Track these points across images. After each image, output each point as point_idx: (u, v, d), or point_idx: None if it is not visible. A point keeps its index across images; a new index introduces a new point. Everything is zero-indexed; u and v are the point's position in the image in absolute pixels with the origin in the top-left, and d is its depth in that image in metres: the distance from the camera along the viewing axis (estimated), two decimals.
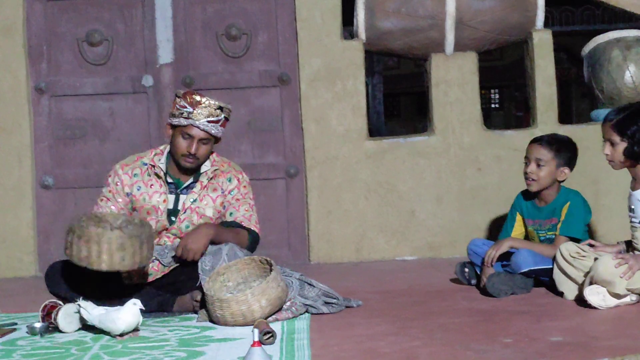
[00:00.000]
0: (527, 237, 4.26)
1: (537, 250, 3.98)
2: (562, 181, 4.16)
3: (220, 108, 3.80)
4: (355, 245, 5.44)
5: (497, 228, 4.46)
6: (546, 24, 5.54)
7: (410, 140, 5.50)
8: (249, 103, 5.54)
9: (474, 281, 4.20)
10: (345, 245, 5.44)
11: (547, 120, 5.43)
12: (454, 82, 5.48)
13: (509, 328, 3.21)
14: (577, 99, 18.46)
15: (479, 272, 4.13)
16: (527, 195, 4.28)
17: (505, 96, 22.10)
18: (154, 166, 3.88)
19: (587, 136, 5.39)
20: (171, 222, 3.85)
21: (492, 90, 22.18)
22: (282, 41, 5.53)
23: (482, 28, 5.40)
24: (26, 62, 5.50)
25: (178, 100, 3.80)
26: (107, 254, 3.35)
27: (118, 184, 3.89)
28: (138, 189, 3.86)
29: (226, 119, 3.84)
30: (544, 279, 3.95)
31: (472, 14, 5.37)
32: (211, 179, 3.90)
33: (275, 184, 5.52)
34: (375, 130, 9.02)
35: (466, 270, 4.24)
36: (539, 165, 4.11)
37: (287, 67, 5.52)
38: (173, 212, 3.86)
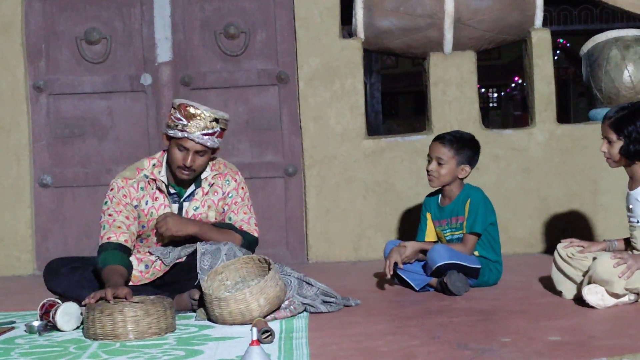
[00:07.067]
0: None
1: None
2: (463, 178, 4.22)
3: (216, 120, 3.74)
4: (354, 244, 5.44)
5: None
6: (544, 24, 5.54)
7: (408, 139, 5.50)
8: (247, 102, 5.54)
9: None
10: (344, 245, 5.44)
11: (545, 120, 5.44)
12: (453, 81, 5.48)
13: (507, 327, 3.22)
14: (574, 98, 18.49)
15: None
16: (432, 195, 4.35)
17: (503, 95, 22.12)
18: (155, 180, 3.85)
19: (585, 135, 5.40)
20: None
21: (490, 90, 22.21)
22: (281, 40, 5.53)
23: (481, 27, 5.40)
24: (24, 61, 5.50)
25: (173, 111, 3.75)
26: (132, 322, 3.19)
27: (126, 195, 3.81)
28: (146, 203, 3.83)
29: (222, 129, 3.78)
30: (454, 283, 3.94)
31: (470, 13, 5.37)
32: (212, 185, 3.91)
33: (274, 183, 5.52)
34: (373, 130, 9.01)
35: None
36: (439, 164, 4.18)
37: (285, 65, 5.52)
38: None
